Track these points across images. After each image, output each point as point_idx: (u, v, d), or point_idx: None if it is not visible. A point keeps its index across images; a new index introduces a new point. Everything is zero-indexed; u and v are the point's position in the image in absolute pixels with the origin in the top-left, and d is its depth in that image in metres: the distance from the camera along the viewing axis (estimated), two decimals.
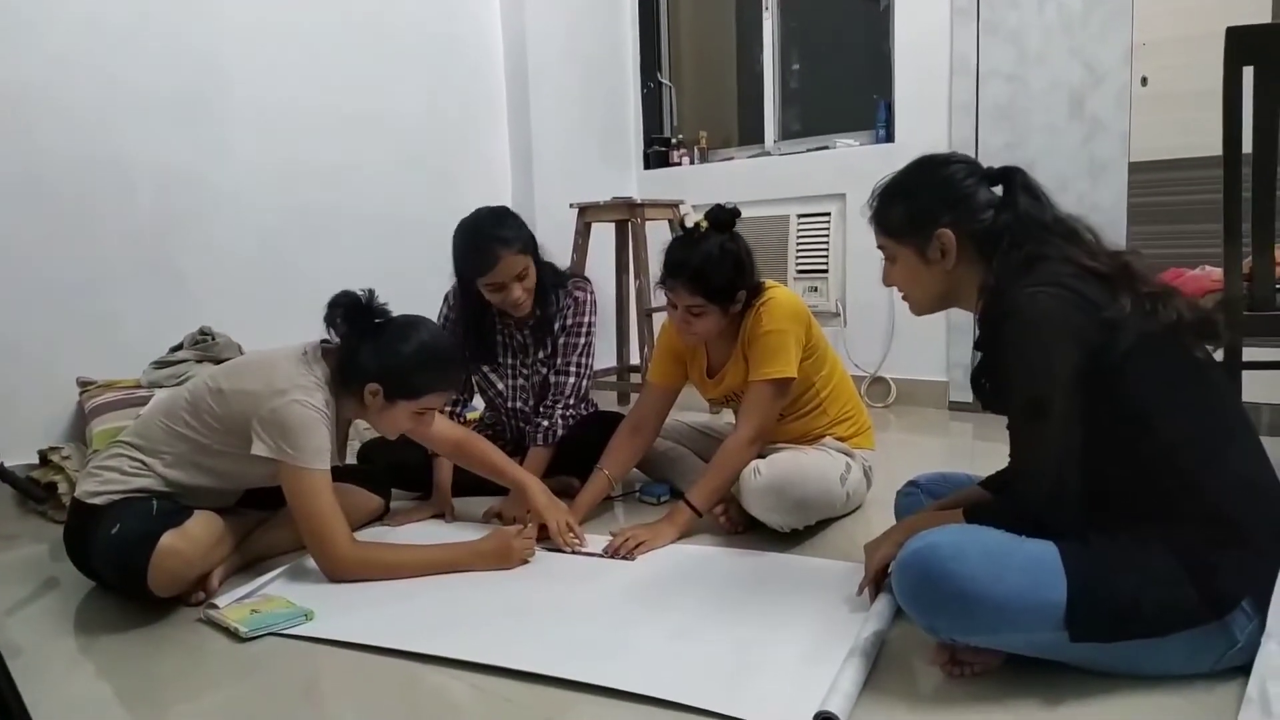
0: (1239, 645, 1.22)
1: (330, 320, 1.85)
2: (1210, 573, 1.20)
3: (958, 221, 1.42)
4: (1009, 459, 1.40)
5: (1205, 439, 1.27)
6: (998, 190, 1.45)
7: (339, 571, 1.79)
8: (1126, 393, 1.26)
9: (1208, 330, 1.32)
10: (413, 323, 1.89)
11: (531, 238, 2.31)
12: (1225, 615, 1.20)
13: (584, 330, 2.43)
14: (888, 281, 1.56)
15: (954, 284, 1.47)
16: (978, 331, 1.47)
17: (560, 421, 2.36)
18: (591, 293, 2.47)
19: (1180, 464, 1.25)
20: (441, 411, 2.41)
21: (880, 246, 1.53)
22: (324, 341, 1.90)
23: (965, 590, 1.21)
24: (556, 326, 2.42)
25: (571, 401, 2.39)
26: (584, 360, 2.43)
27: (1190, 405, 1.28)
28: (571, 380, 2.40)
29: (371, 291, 1.87)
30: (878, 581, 1.56)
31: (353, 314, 1.85)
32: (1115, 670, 1.27)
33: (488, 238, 2.22)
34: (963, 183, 1.44)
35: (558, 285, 2.41)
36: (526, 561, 1.91)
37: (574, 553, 1.98)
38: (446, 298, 2.47)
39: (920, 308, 1.55)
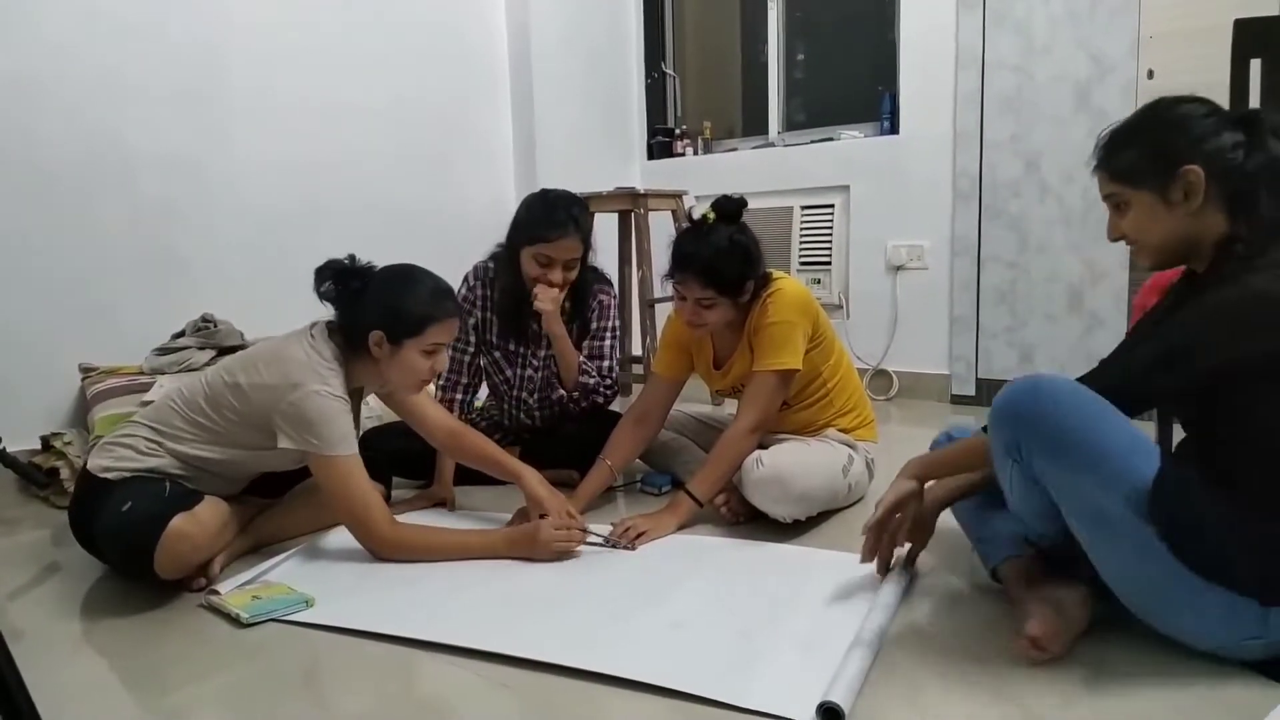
0: (1263, 640, 1.22)
1: (320, 287, 1.85)
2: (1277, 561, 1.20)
3: (1204, 161, 1.30)
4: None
5: None
6: (1238, 136, 1.33)
7: (382, 551, 1.84)
8: None
9: None
10: (398, 268, 1.89)
11: (591, 234, 2.37)
12: (1270, 604, 1.20)
13: (608, 333, 2.47)
14: (1115, 234, 1.42)
15: (1195, 230, 1.34)
16: (1181, 285, 1.40)
17: (599, 379, 2.43)
18: (614, 295, 2.50)
19: None
20: (449, 402, 2.41)
21: (1107, 196, 1.41)
22: (329, 322, 1.90)
23: (1067, 418, 1.23)
24: (576, 326, 2.44)
25: (606, 368, 2.45)
26: (613, 354, 2.48)
27: None
28: (606, 361, 2.46)
29: (353, 255, 1.87)
30: (886, 521, 1.55)
31: (340, 277, 1.85)
32: (1151, 614, 1.28)
33: (567, 203, 2.29)
34: (1204, 120, 1.33)
35: (597, 288, 2.45)
36: (565, 555, 1.87)
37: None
38: (466, 279, 2.46)
39: (1155, 255, 1.40)
